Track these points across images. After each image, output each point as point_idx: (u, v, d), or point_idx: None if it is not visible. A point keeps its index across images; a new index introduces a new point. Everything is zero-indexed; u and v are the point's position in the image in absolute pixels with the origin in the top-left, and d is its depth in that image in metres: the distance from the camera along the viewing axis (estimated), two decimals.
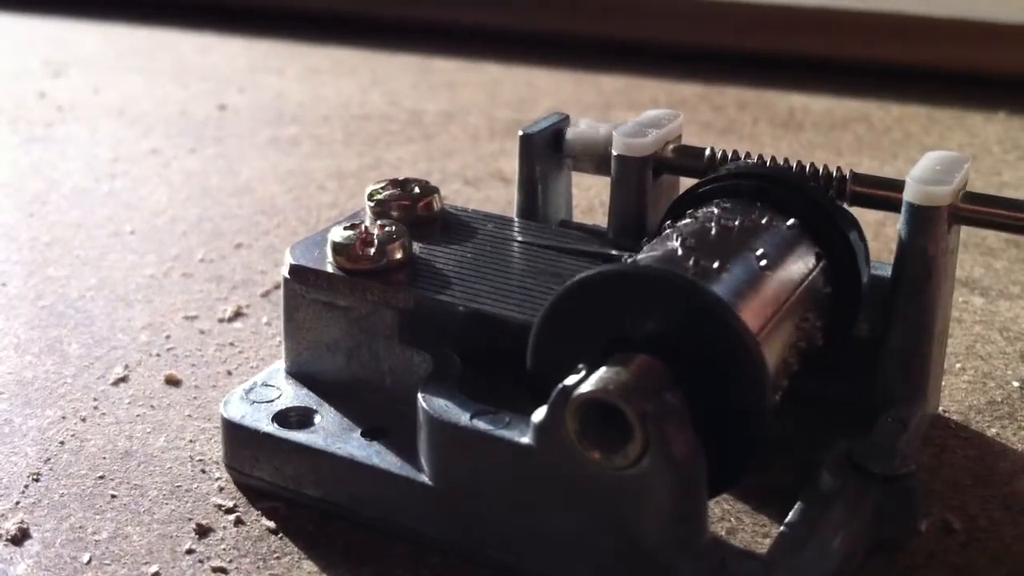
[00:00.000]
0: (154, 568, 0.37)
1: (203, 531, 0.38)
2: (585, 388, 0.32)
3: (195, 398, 0.46)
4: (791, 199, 0.39)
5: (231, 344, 0.50)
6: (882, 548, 0.36)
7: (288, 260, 0.42)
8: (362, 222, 0.42)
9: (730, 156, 0.43)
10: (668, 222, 0.41)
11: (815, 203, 0.39)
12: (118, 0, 1.08)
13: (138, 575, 0.36)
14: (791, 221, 0.39)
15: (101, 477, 0.41)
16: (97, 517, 0.39)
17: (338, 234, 0.41)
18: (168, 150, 0.74)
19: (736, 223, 0.38)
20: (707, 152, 0.44)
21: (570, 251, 0.42)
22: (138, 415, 0.45)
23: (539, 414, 0.34)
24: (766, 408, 0.33)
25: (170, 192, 0.67)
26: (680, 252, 0.36)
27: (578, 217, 0.51)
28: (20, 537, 0.38)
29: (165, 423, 0.44)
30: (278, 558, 0.37)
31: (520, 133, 0.46)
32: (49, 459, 0.42)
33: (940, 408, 0.44)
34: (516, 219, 0.46)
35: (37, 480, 0.41)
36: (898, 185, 0.40)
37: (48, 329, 0.51)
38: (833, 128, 0.77)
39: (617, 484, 0.33)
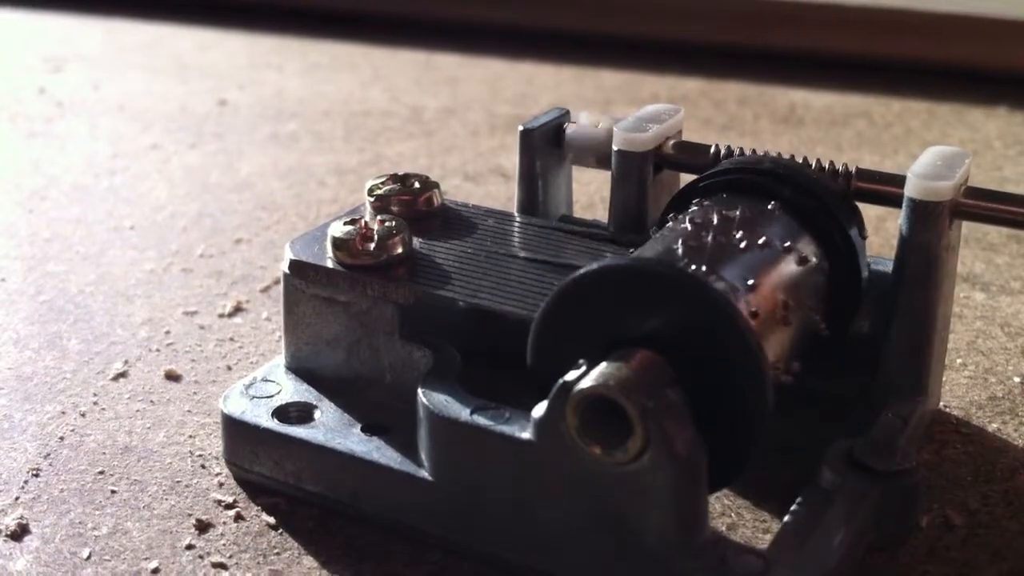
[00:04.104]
0: (154, 564, 0.36)
1: (203, 527, 0.38)
2: (586, 383, 0.32)
3: (195, 393, 0.46)
4: (790, 193, 0.39)
5: (231, 339, 0.50)
6: (883, 544, 0.36)
7: (288, 255, 0.42)
8: (362, 217, 0.42)
9: (732, 152, 0.43)
10: (668, 217, 0.41)
11: (815, 196, 0.39)
12: None
13: (138, 570, 0.36)
14: (791, 215, 0.39)
15: (101, 472, 0.41)
16: (97, 512, 0.39)
17: (338, 229, 0.41)
18: (168, 146, 0.74)
19: (736, 218, 0.38)
20: (708, 148, 0.43)
21: (570, 246, 0.42)
22: (138, 410, 0.45)
23: (539, 409, 0.34)
24: (766, 403, 0.33)
25: (170, 188, 0.67)
26: (681, 247, 0.36)
27: (578, 212, 0.51)
28: (20, 532, 0.38)
29: (165, 418, 0.44)
30: (278, 554, 0.37)
31: (520, 128, 0.46)
32: (49, 454, 0.42)
33: (941, 404, 0.44)
34: (516, 214, 0.46)
35: (37, 475, 0.41)
36: (899, 180, 0.40)
37: (48, 324, 0.51)
38: (834, 124, 0.77)
39: (618, 480, 0.33)
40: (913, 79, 0.85)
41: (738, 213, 0.38)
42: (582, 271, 0.34)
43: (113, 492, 0.40)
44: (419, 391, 0.37)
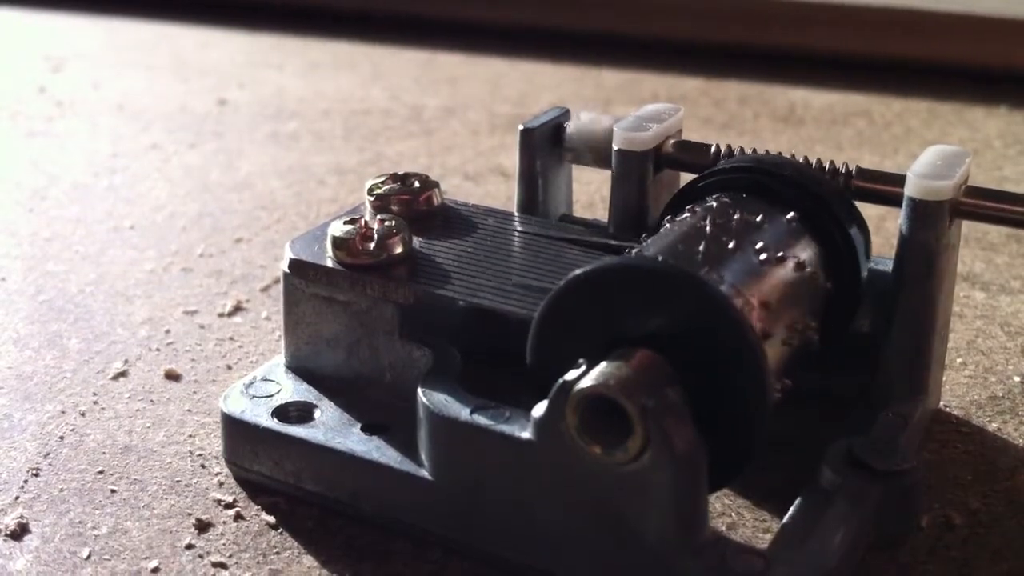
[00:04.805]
0: (154, 563, 0.36)
1: (203, 526, 0.38)
2: (586, 383, 0.32)
3: (195, 393, 0.46)
4: (791, 192, 0.39)
5: (231, 339, 0.50)
6: (883, 544, 0.36)
7: (288, 255, 0.42)
8: (362, 216, 0.42)
9: (732, 151, 0.43)
10: (669, 216, 0.41)
11: (815, 196, 0.39)
12: None
13: (138, 570, 0.36)
14: (791, 215, 0.38)
15: (101, 472, 0.41)
16: (96, 512, 0.39)
17: (338, 228, 0.41)
18: (168, 145, 0.74)
19: (737, 217, 0.38)
20: (708, 147, 0.43)
21: (571, 246, 0.42)
22: (138, 410, 0.45)
23: (539, 409, 0.34)
24: (767, 403, 0.33)
25: (170, 187, 0.67)
26: (681, 247, 0.36)
27: (578, 212, 0.51)
28: (20, 532, 0.38)
29: (165, 418, 0.44)
30: (278, 553, 0.37)
31: (520, 128, 0.46)
32: (48, 454, 0.42)
33: (941, 403, 0.44)
34: (516, 214, 0.46)
35: (36, 475, 0.41)
36: (899, 180, 0.40)
37: (48, 324, 0.51)
38: (834, 123, 0.77)
39: (617, 479, 0.33)
40: (913, 79, 0.85)
41: (738, 212, 0.38)
42: (582, 270, 0.34)
43: (113, 491, 0.40)
44: (419, 390, 0.37)
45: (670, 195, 0.43)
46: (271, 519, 0.38)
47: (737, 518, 0.38)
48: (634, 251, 0.37)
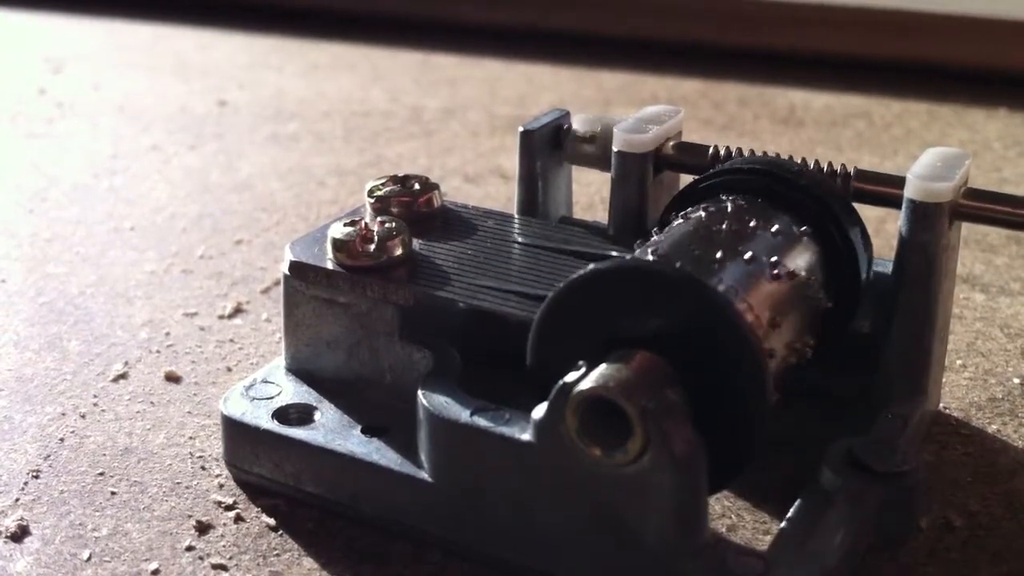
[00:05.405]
0: (154, 565, 0.36)
1: (203, 528, 0.38)
2: (585, 385, 0.32)
3: (195, 395, 0.46)
4: (792, 195, 0.39)
5: (231, 340, 0.50)
6: (883, 545, 0.36)
7: (288, 256, 0.42)
8: (362, 218, 0.42)
9: (732, 152, 0.43)
10: (669, 218, 0.41)
11: (817, 199, 0.39)
12: None
13: (138, 572, 0.36)
14: (792, 217, 0.38)
15: (101, 474, 0.41)
16: (97, 514, 0.39)
17: (338, 230, 0.41)
18: (168, 146, 0.74)
19: (737, 219, 0.38)
20: (708, 148, 0.43)
21: (570, 247, 0.42)
22: (138, 412, 0.45)
23: (539, 411, 0.34)
24: (766, 404, 0.33)
25: (170, 189, 0.67)
26: (681, 248, 0.36)
27: (578, 213, 0.51)
28: (20, 534, 0.38)
29: (165, 420, 0.44)
30: (278, 555, 0.37)
31: (520, 129, 0.46)
32: (49, 456, 0.42)
33: (941, 405, 0.44)
34: (516, 216, 0.46)
35: (37, 477, 0.41)
36: (899, 181, 0.40)
37: (48, 326, 0.51)
38: (834, 124, 0.77)
39: (617, 481, 0.33)
40: (913, 79, 0.85)
41: (738, 214, 0.38)
42: (582, 272, 0.34)
43: (113, 493, 0.40)
44: (419, 392, 0.37)
45: (670, 197, 0.43)
46: (271, 521, 0.38)
47: (737, 520, 0.38)
48: (634, 253, 0.37)
